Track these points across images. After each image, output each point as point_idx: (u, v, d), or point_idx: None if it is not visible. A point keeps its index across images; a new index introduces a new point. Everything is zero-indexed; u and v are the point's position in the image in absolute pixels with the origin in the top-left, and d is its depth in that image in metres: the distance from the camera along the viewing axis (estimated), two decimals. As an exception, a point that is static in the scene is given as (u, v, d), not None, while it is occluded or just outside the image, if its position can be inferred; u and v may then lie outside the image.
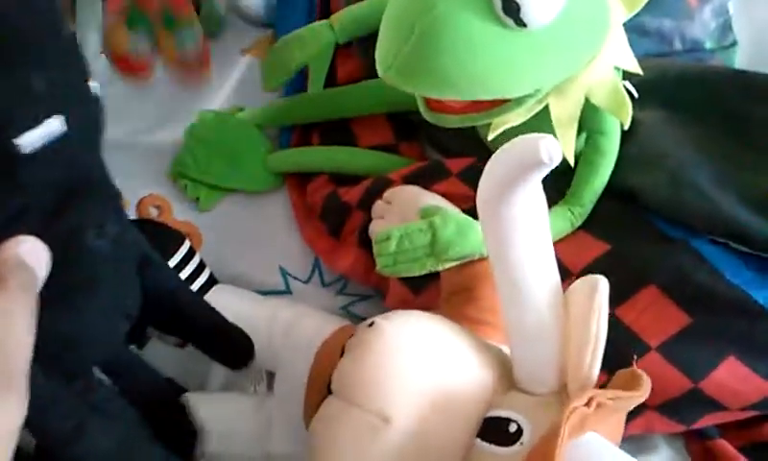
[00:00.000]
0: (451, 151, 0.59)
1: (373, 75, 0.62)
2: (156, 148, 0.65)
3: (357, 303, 0.59)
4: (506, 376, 0.39)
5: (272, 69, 0.61)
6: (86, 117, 0.33)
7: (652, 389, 0.42)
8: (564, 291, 0.37)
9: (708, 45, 0.62)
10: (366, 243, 0.55)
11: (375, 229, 0.54)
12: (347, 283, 0.59)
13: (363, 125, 0.64)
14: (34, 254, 0.31)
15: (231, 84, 0.70)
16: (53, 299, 0.31)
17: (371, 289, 0.58)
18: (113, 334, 0.37)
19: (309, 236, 0.60)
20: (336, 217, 0.58)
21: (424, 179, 0.55)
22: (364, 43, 0.63)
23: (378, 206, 0.55)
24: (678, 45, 0.62)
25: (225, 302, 0.52)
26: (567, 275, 0.48)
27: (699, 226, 0.47)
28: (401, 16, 0.44)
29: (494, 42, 0.42)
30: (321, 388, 0.45)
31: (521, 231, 0.35)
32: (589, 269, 0.48)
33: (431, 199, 0.53)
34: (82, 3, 0.81)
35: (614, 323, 0.46)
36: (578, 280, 0.37)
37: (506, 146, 0.34)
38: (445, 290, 0.50)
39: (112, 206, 0.36)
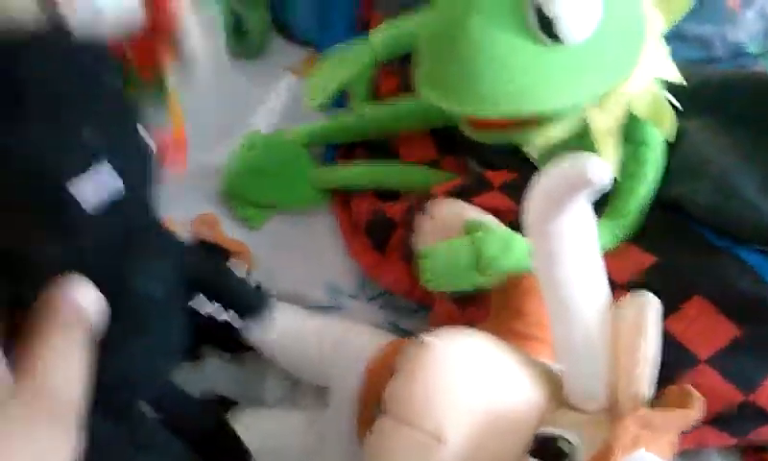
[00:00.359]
0: (494, 165, 0.60)
1: (414, 91, 0.64)
2: (205, 169, 0.67)
3: (404, 318, 0.60)
4: (556, 392, 0.39)
5: (314, 90, 0.62)
6: (137, 166, 0.35)
7: (705, 402, 0.43)
8: (611, 304, 0.38)
9: (752, 50, 0.62)
10: (410, 257, 0.56)
11: (419, 243, 0.55)
12: (393, 298, 0.60)
13: (406, 141, 0.65)
14: (87, 297, 0.32)
15: (276, 104, 0.72)
16: (104, 342, 0.32)
17: (417, 304, 0.59)
18: (163, 373, 0.38)
19: (355, 252, 0.62)
20: (381, 232, 0.59)
21: (467, 193, 0.56)
22: (405, 60, 0.64)
23: (421, 220, 0.56)
24: (720, 51, 0.62)
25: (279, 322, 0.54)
26: (614, 287, 0.47)
27: (745, 235, 0.47)
28: (438, 36, 0.45)
29: (531, 59, 0.43)
30: (372, 405, 0.46)
31: (569, 250, 0.36)
32: (636, 281, 0.48)
33: (474, 213, 0.53)
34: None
35: (663, 334, 0.46)
36: (628, 296, 0.37)
37: (553, 165, 0.35)
38: (491, 305, 0.51)
39: (164, 249, 0.37)
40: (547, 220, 0.35)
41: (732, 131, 0.51)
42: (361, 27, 0.70)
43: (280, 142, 0.66)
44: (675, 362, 0.44)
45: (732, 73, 0.56)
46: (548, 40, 0.42)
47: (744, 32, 0.62)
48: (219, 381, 0.57)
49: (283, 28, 0.77)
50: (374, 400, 0.46)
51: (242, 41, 0.76)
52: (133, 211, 0.34)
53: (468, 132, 0.50)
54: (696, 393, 0.34)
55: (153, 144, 0.35)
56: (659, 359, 0.35)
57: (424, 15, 0.58)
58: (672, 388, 0.36)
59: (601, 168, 0.32)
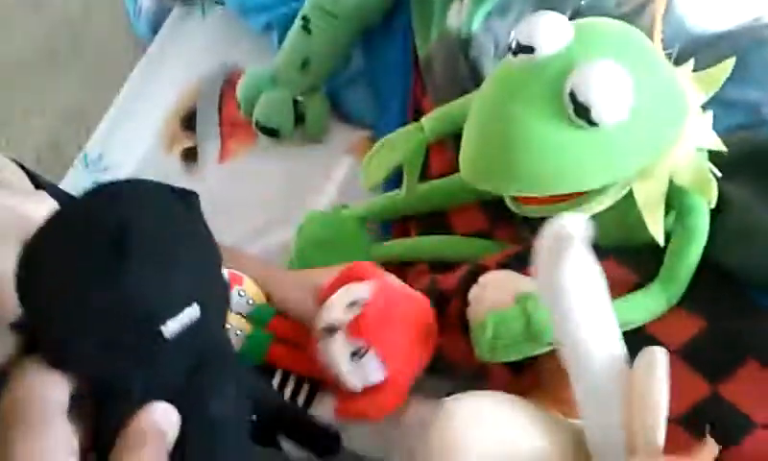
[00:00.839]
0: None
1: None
2: (268, 249, 0.71)
3: (462, 387, 0.60)
4: (582, 450, 0.40)
5: (368, 172, 0.65)
6: (217, 300, 0.38)
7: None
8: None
9: (801, 111, 0.62)
10: (466, 328, 0.57)
11: (472, 315, 0.56)
12: (450, 368, 0.61)
13: (458, 213, 0.67)
14: (166, 417, 0.35)
15: (336, 184, 0.76)
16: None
17: (475, 373, 0.60)
18: None
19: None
20: (436, 305, 0.61)
21: (518, 263, 0.57)
22: (456, 138, 0.67)
23: (474, 291, 0.57)
24: (767, 114, 0.62)
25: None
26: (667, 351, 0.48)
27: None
28: (482, 124, 0.49)
29: (566, 141, 0.46)
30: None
31: (576, 305, 0.38)
32: (687, 346, 0.48)
33: (524, 282, 0.55)
34: (202, 116, 0.90)
35: (718, 400, 0.46)
36: (641, 352, 0.38)
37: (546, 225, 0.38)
38: (544, 372, 0.51)
39: (233, 372, 0.39)
40: (550, 279, 0.38)
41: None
42: (414, 111, 0.73)
43: (337, 218, 0.69)
44: (732, 427, 0.44)
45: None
46: (584, 124, 0.45)
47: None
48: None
49: (341, 112, 0.82)
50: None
51: (302, 127, 0.80)
52: (207, 335, 0.37)
53: (515, 207, 0.52)
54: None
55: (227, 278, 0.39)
56: (665, 411, 0.36)
57: (469, 102, 0.61)
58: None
59: (578, 221, 0.36)
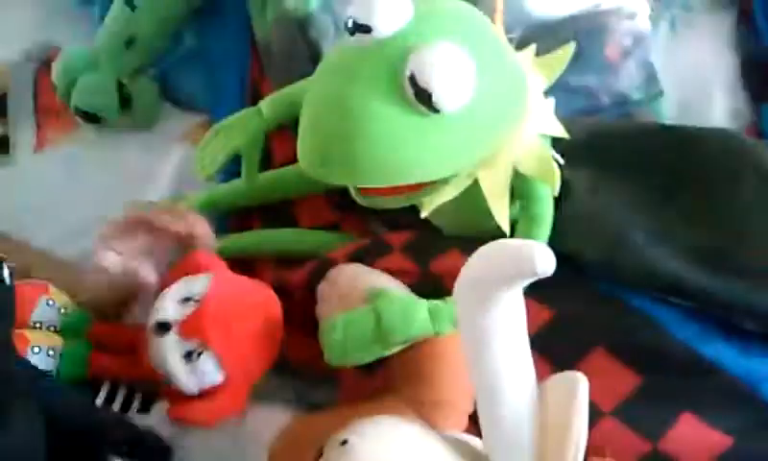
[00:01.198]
0: (395, 223, 0.59)
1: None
2: (87, 252, 0.63)
3: (310, 389, 0.57)
4: None
5: (203, 160, 0.60)
6: None
7: (613, 454, 0.42)
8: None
9: (636, 97, 0.64)
10: (314, 327, 0.54)
11: (321, 313, 0.53)
12: (298, 370, 0.58)
13: (303, 205, 0.64)
14: None
15: (170, 173, 0.70)
16: None
17: (324, 376, 0.57)
18: None
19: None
20: (282, 303, 0.57)
21: (367, 256, 0.55)
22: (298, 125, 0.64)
23: (322, 288, 0.54)
24: (606, 100, 0.64)
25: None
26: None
27: (637, 284, 0.48)
28: (318, 114, 0.45)
29: (410, 130, 0.43)
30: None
31: (501, 334, 0.35)
32: (537, 337, 0.47)
33: (374, 277, 0.52)
34: (14, 102, 0.80)
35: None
36: (556, 376, 0.37)
37: (493, 247, 0.34)
38: (397, 372, 0.49)
39: (23, 401, 0.37)
40: (482, 302, 0.34)
41: (618, 181, 0.53)
42: (252, 95, 0.69)
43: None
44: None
45: (618, 124, 0.58)
46: (426, 110, 0.43)
47: (626, 81, 0.64)
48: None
49: (174, 96, 0.76)
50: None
51: (130, 112, 0.73)
52: None
53: (359, 199, 0.50)
54: None
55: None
56: (585, 439, 0.34)
57: (310, 84, 0.58)
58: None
59: (548, 259, 0.32)
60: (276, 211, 0.64)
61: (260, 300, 0.52)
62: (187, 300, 0.50)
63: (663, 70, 0.66)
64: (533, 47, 0.53)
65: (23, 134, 0.78)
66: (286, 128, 0.64)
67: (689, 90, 0.67)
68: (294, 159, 0.63)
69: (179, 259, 0.55)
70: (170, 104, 0.76)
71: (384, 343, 0.47)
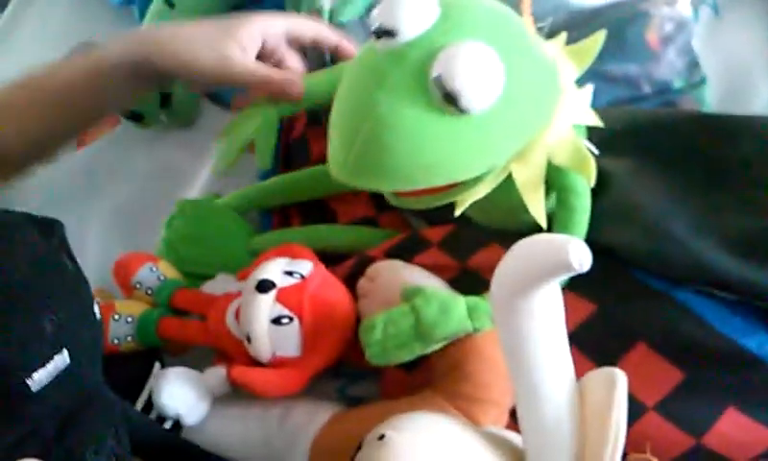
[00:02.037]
0: (433, 216, 0.59)
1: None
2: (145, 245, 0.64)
3: (352, 384, 0.58)
4: None
5: (221, 149, 0.60)
6: (89, 342, 0.35)
7: (655, 449, 0.42)
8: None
9: (677, 85, 0.63)
10: (356, 325, 0.54)
11: (362, 308, 0.53)
12: (341, 364, 0.59)
13: (342, 201, 0.64)
14: None
15: (208, 170, 0.71)
16: None
17: (364, 370, 0.57)
18: None
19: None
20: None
21: (406, 252, 0.55)
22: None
23: (362, 284, 0.54)
24: (647, 88, 0.62)
25: (220, 416, 0.52)
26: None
27: (681, 277, 0.47)
28: (346, 119, 0.45)
29: (439, 132, 0.43)
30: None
31: (539, 328, 0.35)
32: (578, 332, 0.47)
33: (413, 274, 0.52)
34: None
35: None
36: (595, 371, 0.36)
37: (528, 243, 0.34)
38: (437, 369, 0.49)
39: (110, 416, 0.37)
40: (519, 298, 0.34)
41: (661, 171, 0.51)
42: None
43: (210, 209, 0.64)
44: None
45: (658, 113, 0.56)
46: (454, 111, 0.42)
47: (668, 68, 0.62)
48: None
49: (214, 93, 0.77)
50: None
51: (172, 113, 0.74)
52: (79, 381, 0.34)
53: (392, 199, 0.49)
54: None
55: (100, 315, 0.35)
56: (624, 437, 0.34)
57: (334, 74, 0.58)
58: (635, 458, 0.36)
59: (583, 252, 0.31)
60: (315, 207, 0.64)
61: (347, 299, 0.54)
62: (290, 273, 0.52)
63: (706, 57, 0.64)
64: (563, 36, 0.52)
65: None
66: (322, 125, 0.64)
67: (733, 77, 0.65)
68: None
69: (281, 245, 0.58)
70: (209, 101, 0.76)
71: (424, 341, 0.46)
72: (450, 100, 0.42)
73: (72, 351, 0.32)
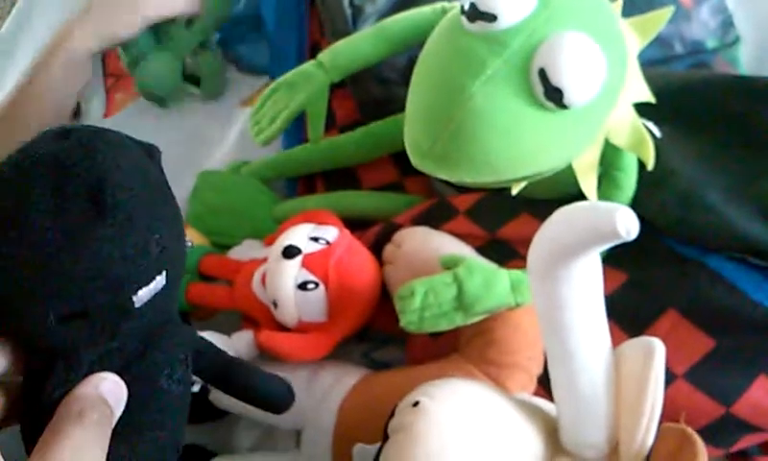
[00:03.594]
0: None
1: (371, 114, 0.62)
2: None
3: (377, 348, 0.58)
4: (552, 439, 0.38)
5: (261, 122, 0.58)
6: (180, 267, 0.35)
7: (685, 418, 0.41)
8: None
9: (711, 45, 0.61)
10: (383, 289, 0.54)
11: (388, 275, 0.53)
12: (366, 329, 0.59)
13: (366, 166, 0.63)
14: (114, 391, 0.32)
15: (232, 139, 0.70)
16: (123, 433, 0.32)
17: (390, 334, 0.57)
18: None
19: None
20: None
21: (433, 219, 0.55)
22: (357, 82, 0.63)
23: (389, 250, 0.54)
24: (679, 48, 0.61)
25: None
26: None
27: (713, 244, 0.46)
28: (435, 105, 0.42)
29: (535, 126, 0.41)
30: (347, 447, 0.45)
31: (578, 296, 0.34)
32: (610, 301, 0.47)
33: (442, 240, 0.52)
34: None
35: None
36: (632, 341, 0.36)
37: (571, 210, 0.33)
38: (464, 334, 0.49)
39: (183, 342, 0.37)
40: (557, 266, 0.33)
41: (693, 136, 0.50)
42: (312, 54, 0.67)
43: (234, 178, 0.64)
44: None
45: (690, 76, 0.55)
46: (555, 106, 0.40)
47: (700, 28, 0.61)
48: (190, 433, 0.55)
49: (235, 60, 0.76)
50: (350, 438, 0.45)
51: (198, 85, 0.74)
52: (166, 304, 0.34)
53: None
54: (696, 438, 0.32)
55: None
56: (660, 408, 0.33)
57: (376, 34, 0.56)
58: (669, 428, 0.34)
59: (631, 221, 0.30)
60: (340, 174, 0.63)
61: (373, 266, 0.54)
62: (316, 239, 0.52)
63: (740, 16, 0.62)
64: (619, 2, 0.49)
65: (93, 101, 0.80)
66: (345, 87, 0.64)
67: (768, 37, 0.63)
68: (354, 121, 0.64)
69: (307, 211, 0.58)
70: (232, 67, 0.75)
71: (465, 313, 0.46)
72: (553, 94, 0.39)
73: (168, 273, 0.33)
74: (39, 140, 0.32)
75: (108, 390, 0.32)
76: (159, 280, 0.33)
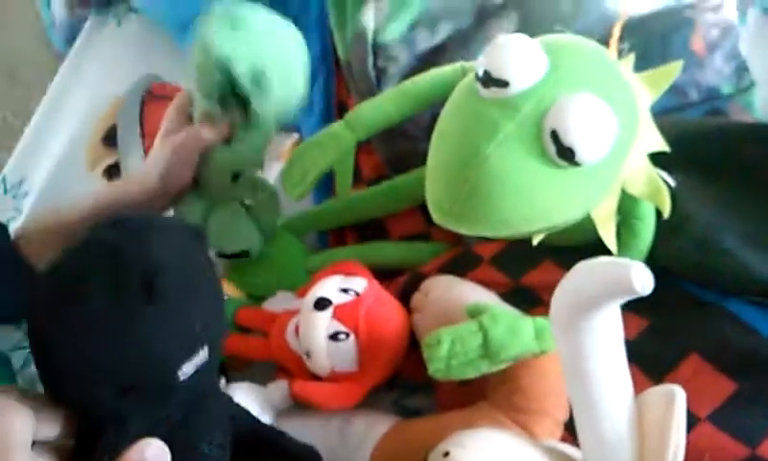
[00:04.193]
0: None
1: (396, 168, 0.65)
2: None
3: (408, 396, 0.60)
4: None
5: (293, 179, 0.60)
6: (220, 340, 0.38)
7: (709, 459, 0.42)
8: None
9: (726, 90, 0.62)
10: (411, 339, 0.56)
11: (416, 324, 0.55)
12: (396, 377, 0.60)
13: (394, 217, 0.65)
14: (158, 457, 0.34)
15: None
16: None
17: (420, 382, 0.59)
18: None
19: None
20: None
21: (458, 268, 0.56)
22: (383, 138, 0.65)
23: (416, 299, 0.56)
24: (694, 96, 0.62)
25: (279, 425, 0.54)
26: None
27: (731, 288, 0.47)
28: (452, 165, 0.45)
29: (549, 184, 0.43)
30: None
31: (600, 347, 0.36)
32: (630, 345, 0.48)
33: (467, 289, 0.54)
34: (123, 131, 0.86)
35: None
36: (654, 389, 0.37)
37: (590, 265, 0.35)
38: (492, 382, 0.51)
39: (222, 410, 0.40)
40: (581, 318, 0.35)
41: (710, 183, 0.52)
42: (339, 113, 0.71)
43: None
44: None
45: (705, 123, 0.56)
46: (567, 165, 0.42)
47: (714, 74, 0.62)
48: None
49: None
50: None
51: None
52: (207, 375, 0.37)
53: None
54: None
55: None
56: (683, 452, 0.35)
57: (402, 93, 0.59)
58: None
59: (645, 277, 0.32)
60: (369, 224, 0.66)
61: (401, 315, 0.55)
62: (346, 291, 0.54)
63: (755, 61, 0.63)
64: (632, 57, 0.51)
65: (132, 161, 0.83)
66: (370, 144, 0.66)
67: (783, 80, 0.64)
68: (380, 175, 0.66)
69: (336, 262, 0.60)
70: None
71: (491, 360, 0.47)
72: (565, 154, 0.42)
73: (210, 348, 0.35)
74: (96, 230, 0.35)
75: (154, 456, 0.34)
76: (202, 355, 0.35)
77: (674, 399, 0.35)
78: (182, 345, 0.34)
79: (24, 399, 0.34)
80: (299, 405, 0.55)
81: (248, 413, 0.43)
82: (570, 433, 0.47)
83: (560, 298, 0.36)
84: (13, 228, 0.59)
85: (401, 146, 0.65)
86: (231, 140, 0.62)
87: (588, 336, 0.35)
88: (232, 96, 0.59)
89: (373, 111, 0.59)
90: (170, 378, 0.34)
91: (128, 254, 0.33)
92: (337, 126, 0.60)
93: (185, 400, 0.36)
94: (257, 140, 0.63)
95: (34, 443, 0.33)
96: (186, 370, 0.34)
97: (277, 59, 0.58)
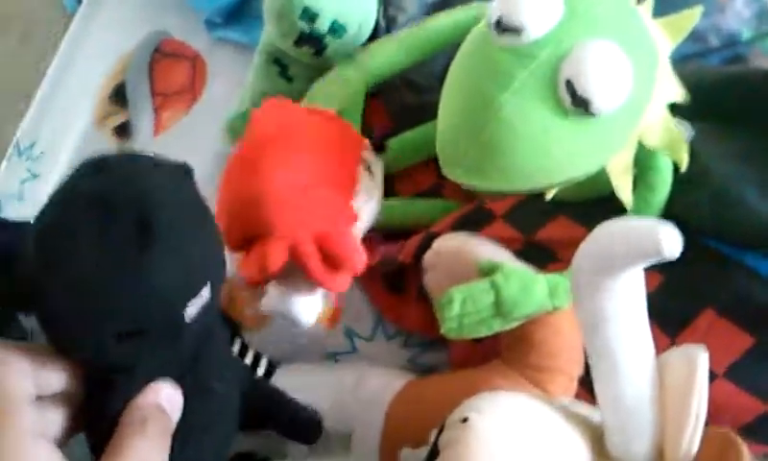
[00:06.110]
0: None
1: (404, 124, 0.63)
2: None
3: (422, 353, 0.60)
4: (598, 447, 0.38)
5: None
6: (220, 276, 0.37)
7: (726, 416, 0.41)
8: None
9: (746, 36, 0.60)
10: (425, 296, 0.56)
11: (429, 283, 0.55)
12: (410, 335, 0.60)
13: (403, 173, 0.64)
14: (172, 399, 0.35)
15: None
16: (179, 436, 0.35)
17: (433, 340, 0.59)
18: None
19: (374, 297, 0.62)
20: (394, 274, 0.59)
21: (471, 225, 0.56)
22: (390, 91, 0.65)
23: (428, 257, 0.55)
24: (714, 41, 0.60)
25: (292, 381, 0.55)
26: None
27: (748, 241, 0.46)
28: (464, 115, 0.44)
29: (565, 135, 0.42)
30: (395, 450, 0.47)
31: (622, 309, 0.35)
32: (647, 302, 0.47)
33: (481, 246, 0.53)
34: (132, 89, 0.85)
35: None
36: (675, 350, 0.36)
37: (615, 226, 0.34)
38: (505, 339, 0.50)
39: (227, 350, 0.40)
40: (605, 279, 0.34)
41: (727, 133, 0.50)
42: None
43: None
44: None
45: (724, 72, 0.54)
46: (583, 114, 0.41)
47: (735, 19, 0.60)
48: (245, 439, 0.58)
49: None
50: (397, 441, 0.47)
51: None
52: (211, 313, 0.37)
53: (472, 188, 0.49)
54: (739, 441, 0.33)
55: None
56: (704, 417, 0.34)
57: (407, 41, 0.58)
58: (714, 434, 0.34)
59: (675, 240, 0.32)
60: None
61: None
62: None
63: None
64: (650, 2, 0.48)
65: (143, 119, 0.83)
66: (379, 98, 0.65)
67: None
68: (390, 132, 0.65)
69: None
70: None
71: (504, 319, 0.46)
72: (581, 104, 0.40)
73: (212, 284, 0.35)
74: (77, 176, 0.34)
75: (167, 398, 0.35)
76: (205, 292, 0.35)
77: (696, 361, 0.35)
78: (185, 284, 0.34)
79: (26, 351, 0.33)
80: (313, 359, 0.56)
81: (246, 365, 0.43)
82: (585, 389, 0.47)
83: (582, 258, 0.35)
84: (29, 190, 0.59)
85: (408, 99, 0.64)
86: None
87: (611, 298, 0.34)
88: (307, 39, 0.62)
89: (383, 56, 0.59)
90: (177, 320, 0.34)
91: (116, 200, 0.32)
92: (348, 69, 0.60)
93: (193, 340, 0.36)
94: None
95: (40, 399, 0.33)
96: (191, 310, 0.34)
97: (357, 15, 0.62)
